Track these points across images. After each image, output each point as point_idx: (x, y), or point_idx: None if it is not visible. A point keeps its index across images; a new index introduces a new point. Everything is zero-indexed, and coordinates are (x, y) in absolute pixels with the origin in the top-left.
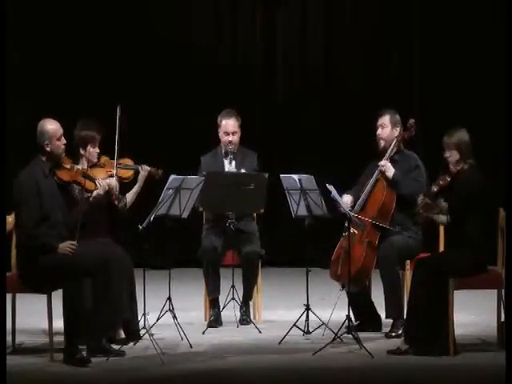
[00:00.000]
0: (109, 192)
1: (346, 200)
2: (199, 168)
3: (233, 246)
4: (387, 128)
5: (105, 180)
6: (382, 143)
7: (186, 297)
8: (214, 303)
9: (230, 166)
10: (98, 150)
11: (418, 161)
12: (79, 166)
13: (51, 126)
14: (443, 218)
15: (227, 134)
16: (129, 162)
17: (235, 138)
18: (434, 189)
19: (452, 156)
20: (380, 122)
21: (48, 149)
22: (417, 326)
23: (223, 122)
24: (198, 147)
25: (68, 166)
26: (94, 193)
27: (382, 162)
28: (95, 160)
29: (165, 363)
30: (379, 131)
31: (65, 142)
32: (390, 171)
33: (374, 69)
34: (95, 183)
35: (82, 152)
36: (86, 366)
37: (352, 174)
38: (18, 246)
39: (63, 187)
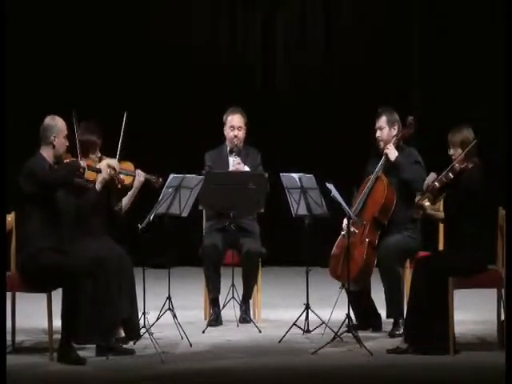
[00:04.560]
0: (110, 183)
1: None
2: (204, 163)
3: (234, 245)
4: (385, 129)
5: (103, 161)
6: (382, 144)
7: (186, 296)
8: (214, 302)
9: (234, 163)
10: (99, 154)
11: (418, 157)
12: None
13: (61, 121)
14: (441, 215)
15: (233, 128)
16: (130, 166)
17: (241, 134)
18: (437, 184)
19: (457, 154)
20: (377, 124)
21: (55, 143)
22: (417, 325)
23: (229, 117)
24: (198, 147)
25: (67, 161)
26: (100, 178)
27: (388, 146)
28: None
29: (165, 362)
30: (378, 133)
31: (67, 143)
32: (394, 154)
33: (374, 68)
34: (96, 171)
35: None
36: (80, 365)
37: (352, 173)
38: (22, 242)
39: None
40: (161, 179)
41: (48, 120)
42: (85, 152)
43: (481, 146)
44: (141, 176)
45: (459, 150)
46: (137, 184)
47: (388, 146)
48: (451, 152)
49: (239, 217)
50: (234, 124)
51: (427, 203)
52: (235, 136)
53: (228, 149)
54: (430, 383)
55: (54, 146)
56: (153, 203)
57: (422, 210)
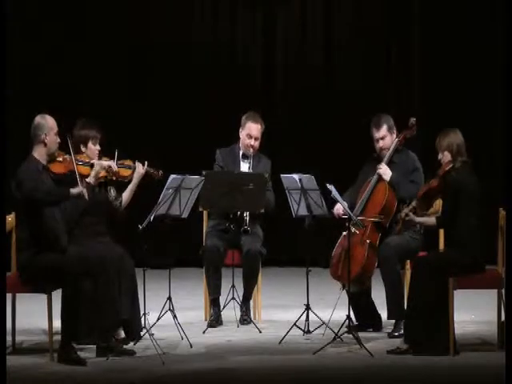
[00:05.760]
0: (107, 179)
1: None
2: (215, 161)
3: (235, 246)
4: (387, 137)
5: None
6: (386, 152)
7: (186, 296)
8: (214, 303)
9: (244, 167)
10: (98, 147)
11: (417, 163)
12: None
13: (50, 119)
14: (431, 221)
15: (250, 137)
16: (129, 161)
17: (256, 144)
18: (423, 190)
19: (445, 157)
20: (379, 135)
21: (46, 141)
22: (417, 325)
23: (248, 124)
24: (198, 147)
25: (61, 159)
26: (92, 172)
27: (381, 166)
28: (96, 158)
29: (165, 363)
30: (381, 144)
31: (59, 140)
32: (388, 176)
33: (374, 68)
34: (90, 165)
35: (82, 149)
36: (80, 365)
37: (352, 173)
38: (18, 245)
39: (60, 182)
40: (161, 171)
41: (38, 119)
42: (86, 144)
43: (475, 147)
44: (140, 168)
45: (446, 153)
46: (137, 176)
47: (380, 165)
48: (439, 157)
49: (241, 216)
50: (253, 134)
51: (410, 215)
52: (251, 145)
53: (241, 152)
54: None
55: (45, 144)
56: (153, 204)
57: (405, 224)
